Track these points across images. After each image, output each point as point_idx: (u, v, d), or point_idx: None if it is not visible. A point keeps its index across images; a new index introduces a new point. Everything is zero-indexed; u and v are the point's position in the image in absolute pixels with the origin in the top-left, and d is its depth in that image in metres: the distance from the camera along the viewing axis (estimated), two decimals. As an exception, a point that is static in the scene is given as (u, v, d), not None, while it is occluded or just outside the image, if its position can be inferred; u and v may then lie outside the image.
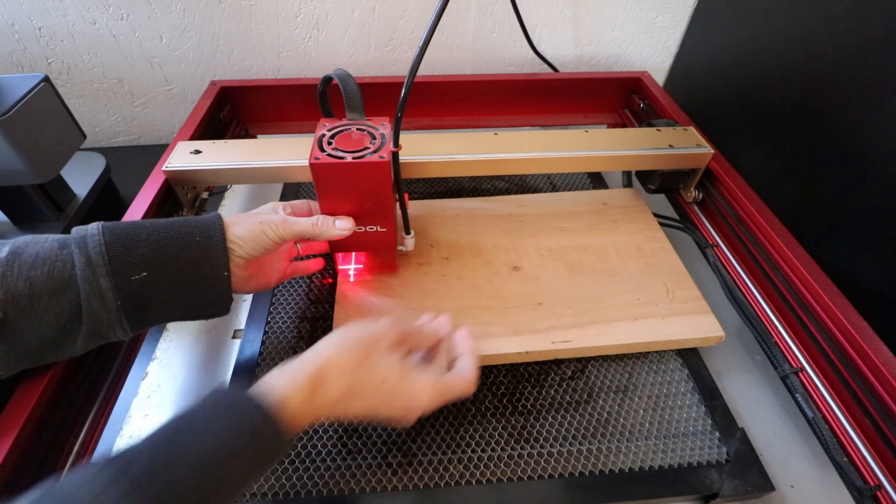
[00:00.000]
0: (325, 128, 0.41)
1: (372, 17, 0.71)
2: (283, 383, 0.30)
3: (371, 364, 0.33)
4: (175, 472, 0.24)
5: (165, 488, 0.24)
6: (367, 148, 0.39)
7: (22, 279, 0.29)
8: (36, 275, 0.30)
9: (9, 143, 0.46)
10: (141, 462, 0.24)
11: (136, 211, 0.46)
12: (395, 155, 0.39)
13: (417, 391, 0.34)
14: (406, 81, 0.36)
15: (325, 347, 0.33)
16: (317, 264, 0.48)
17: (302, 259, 0.48)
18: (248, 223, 0.37)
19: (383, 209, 0.42)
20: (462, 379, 0.36)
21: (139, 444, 0.25)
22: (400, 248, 0.48)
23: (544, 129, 0.70)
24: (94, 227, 0.33)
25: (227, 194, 0.66)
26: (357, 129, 0.41)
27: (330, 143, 0.40)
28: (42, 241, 0.32)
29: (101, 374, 0.39)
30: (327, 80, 0.41)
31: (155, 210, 0.47)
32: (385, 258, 0.49)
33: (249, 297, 0.52)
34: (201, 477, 0.25)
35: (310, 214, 0.43)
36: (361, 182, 0.39)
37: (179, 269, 0.34)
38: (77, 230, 0.33)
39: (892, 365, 0.35)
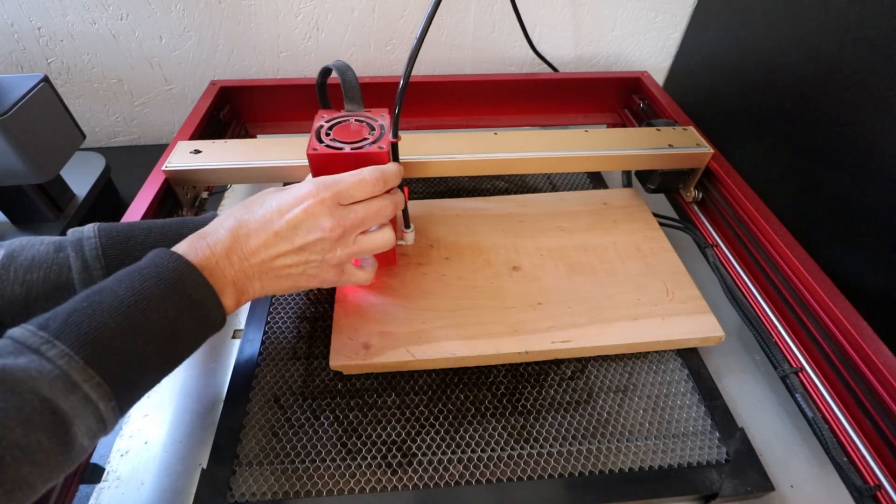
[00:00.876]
0: (323, 119, 0.41)
1: (372, 16, 0.71)
2: (183, 242, 0.31)
3: (254, 199, 0.34)
4: (96, 318, 0.24)
5: (92, 332, 0.24)
6: (365, 139, 0.39)
7: (18, 283, 0.30)
8: (32, 279, 0.30)
9: (8, 143, 0.46)
10: (58, 319, 0.24)
11: (135, 211, 0.46)
12: (394, 146, 0.39)
13: (299, 185, 0.35)
14: (405, 69, 0.36)
15: None
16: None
17: None
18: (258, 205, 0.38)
19: (383, 202, 0.42)
20: (354, 172, 0.36)
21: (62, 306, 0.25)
22: (400, 242, 0.48)
23: (544, 128, 0.70)
24: (90, 230, 0.33)
25: (226, 194, 0.66)
26: (355, 120, 0.41)
27: (328, 135, 0.39)
28: (38, 244, 0.32)
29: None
30: (326, 71, 0.41)
31: (154, 210, 0.47)
32: (385, 252, 0.49)
33: (249, 297, 0.52)
34: (123, 323, 0.25)
35: None
36: None
37: None
38: (73, 232, 0.33)
39: (892, 365, 0.35)
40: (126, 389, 0.26)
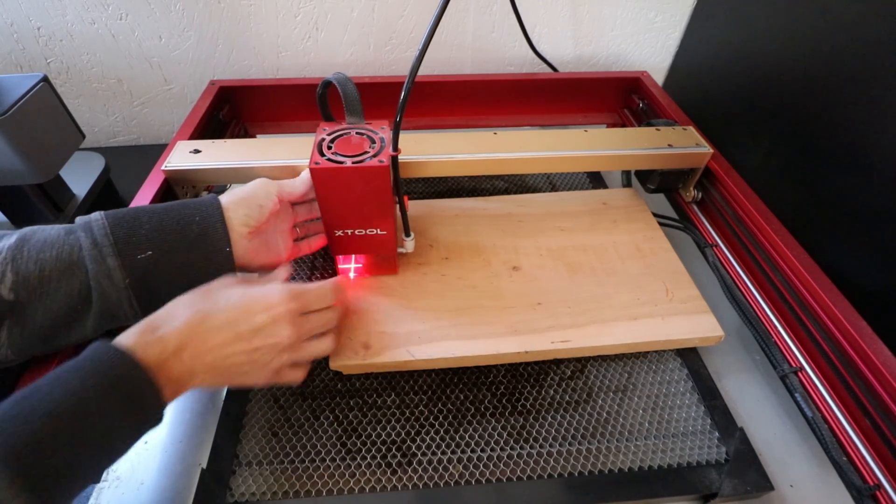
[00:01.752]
0: (324, 132, 0.41)
1: (371, 16, 0.71)
2: (130, 332, 0.30)
3: (214, 290, 0.34)
4: (28, 426, 0.24)
5: (22, 442, 0.23)
6: (366, 152, 0.39)
7: (32, 262, 0.31)
8: (45, 257, 0.31)
9: (8, 143, 0.46)
10: (14, 444, 0.23)
11: (135, 211, 0.46)
12: (394, 159, 0.39)
13: (268, 290, 0.35)
14: (405, 85, 0.36)
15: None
16: (319, 241, 0.47)
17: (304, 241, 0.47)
18: (241, 190, 0.39)
19: (383, 212, 0.42)
20: (318, 285, 0.38)
21: None
22: (399, 250, 0.48)
23: (544, 128, 0.70)
24: (96, 214, 0.34)
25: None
26: (356, 133, 0.41)
27: (329, 148, 0.40)
28: (48, 229, 0.33)
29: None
30: (326, 84, 0.41)
31: (154, 210, 0.47)
32: (385, 260, 0.49)
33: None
34: (57, 430, 0.24)
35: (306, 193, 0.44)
36: (361, 186, 0.39)
37: (182, 247, 0.35)
38: (80, 218, 0.34)
39: (891, 365, 0.35)
40: (57, 498, 0.25)
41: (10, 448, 0.23)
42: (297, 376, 0.37)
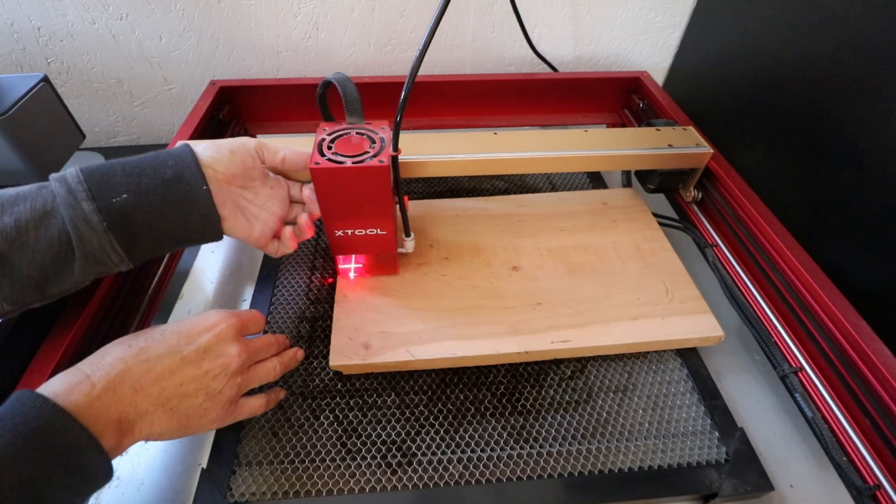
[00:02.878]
0: (324, 132, 0.41)
1: (371, 16, 0.71)
2: (54, 378, 0.28)
3: (146, 330, 0.33)
4: None
5: None
6: (366, 152, 0.39)
7: (7, 215, 0.30)
8: (19, 210, 0.30)
9: (8, 143, 0.46)
10: None
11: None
12: (394, 159, 0.39)
13: (205, 314, 0.35)
14: (406, 85, 0.36)
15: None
16: (310, 230, 0.44)
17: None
18: (222, 145, 0.38)
19: (383, 212, 0.42)
20: (249, 310, 0.38)
21: None
22: (400, 250, 0.48)
23: (544, 128, 0.70)
24: (71, 168, 0.33)
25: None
26: (356, 133, 0.41)
27: (330, 148, 0.40)
28: (23, 187, 0.32)
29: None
30: (326, 84, 0.41)
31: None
32: (386, 260, 0.49)
33: (249, 298, 0.52)
34: None
35: (281, 163, 0.42)
36: (361, 186, 0.39)
37: (158, 188, 0.34)
38: (54, 174, 0.33)
39: (891, 365, 0.35)
40: None
41: None
42: (256, 406, 0.37)
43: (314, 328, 0.48)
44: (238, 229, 0.39)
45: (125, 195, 0.33)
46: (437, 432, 0.41)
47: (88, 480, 0.26)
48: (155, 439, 0.31)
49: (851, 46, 0.48)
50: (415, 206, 0.58)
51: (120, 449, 0.28)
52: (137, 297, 0.46)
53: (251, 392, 0.38)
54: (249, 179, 0.40)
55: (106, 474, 0.27)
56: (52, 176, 0.33)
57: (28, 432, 0.24)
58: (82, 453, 0.25)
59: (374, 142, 0.41)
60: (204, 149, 0.37)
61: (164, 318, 0.51)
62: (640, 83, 0.69)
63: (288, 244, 0.43)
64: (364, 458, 0.39)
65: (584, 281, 0.50)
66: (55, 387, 0.27)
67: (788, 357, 0.43)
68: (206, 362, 0.32)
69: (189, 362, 0.32)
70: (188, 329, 0.33)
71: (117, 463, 0.39)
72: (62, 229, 0.31)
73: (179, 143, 0.38)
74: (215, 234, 0.38)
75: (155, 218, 0.34)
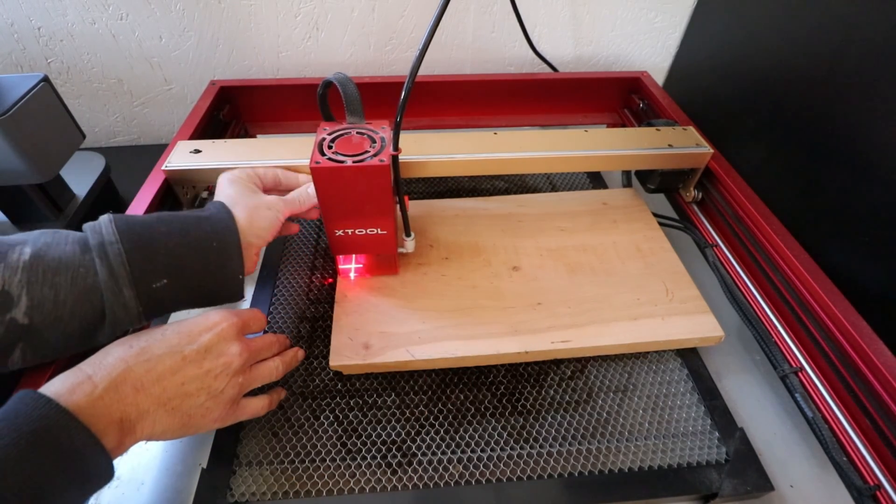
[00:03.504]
0: (325, 132, 0.41)
1: (371, 16, 0.71)
2: (57, 378, 0.28)
3: (146, 330, 0.33)
4: None
5: None
6: (367, 152, 0.39)
7: (48, 286, 0.29)
8: (60, 281, 0.30)
9: (8, 143, 0.46)
10: None
11: (135, 210, 0.46)
12: (394, 158, 0.39)
13: (206, 314, 0.35)
14: (406, 85, 0.36)
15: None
16: (294, 228, 0.48)
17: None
18: (260, 216, 0.39)
19: (383, 212, 0.42)
20: (249, 309, 0.38)
21: None
22: (400, 250, 0.48)
23: (544, 128, 0.70)
24: (109, 231, 0.32)
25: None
26: (357, 132, 0.42)
27: (330, 147, 0.40)
28: (63, 244, 0.31)
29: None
30: (327, 83, 0.41)
31: (154, 210, 0.47)
32: (386, 260, 0.49)
33: (249, 298, 0.52)
34: None
35: (276, 183, 0.45)
36: (361, 185, 0.39)
37: (198, 277, 0.35)
38: (92, 232, 0.32)
39: (891, 365, 0.35)
40: None
41: None
42: (258, 407, 0.37)
43: (314, 328, 0.48)
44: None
45: (165, 281, 0.33)
46: (437, 432, 0.41)
47: (90, 480, 0.26)
48: (156, 439, 0.31)
49: (852, 46, 0.48)
50: (415, 206, 0.58)
51: (122, 449, 0.28)
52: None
53: (253, 392, 0.37)
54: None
55: (107, 474, 0.27)
56: (91, 237, 0.32)
57: (31, 433, 0.24)
58: (85, 454, 0.25)
59: (374, 141, 0.41)
60: (251, 225, 0.38)
61: (163, 318, 0.51)
62: (640, 83, 0.69)
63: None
64: (364, 458, 0.39)
65: (584, 281, 0.50)
66: (57, 387, 0.27)
67: (788, 357, 0.43)
68: (207, 361, 0.32)
69: (190, 361, 0.31)
70: (189, 329, 0.33)
71: (117, 463, 0.39)
72: (98, 308, 0.31)
73: (225, 215, 0.37)
74: (236, 300, 0.39)
75: (185, 300, 0.35)
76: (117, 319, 0.32)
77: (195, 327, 0.33)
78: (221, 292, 0.37)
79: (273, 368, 0.37)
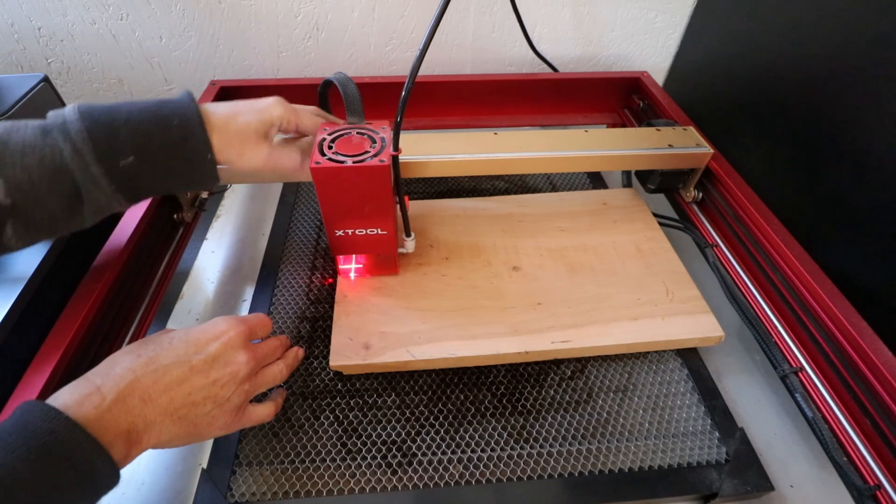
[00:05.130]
0: (325, 132, 0.41)
1: (371, 17, 0.71)
2: (64, 389, 0.28)
3: (154, 337, 0.33)
4: None
5: None
6: (367, 152, 0.39)
7: (18, 168, 0.30)
8: (30, 162, 0.31)
9: (8, 143, 0.45)
10: None
11: (135, 210, 0.46)
12: (394, 158, 0.39)
13: (212, 322, 0.34)
14: (406, 85, 0.36)
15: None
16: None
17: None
18: (242, 113, 0.38)
19: (383, 212, 0.42)
20: (256, 314, 0.37)
21: None
22: (400, 250, 0.48)
23: (544, 128, 0.70)
24: (71, 112, 0.33)
25: (226, 194, 0.66)
26: (357, 132, 0.42)
27: (330, 148, 0.40)
28: (23, 129, 0.32)
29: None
30: (327, 83, 0.41)
31: (154, 210, 0.47)
32: (386, 260, 0.49)
33: (249, 298, 0.52)
34: None
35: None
36: (362, 186, 0.39)
37: (164, 154, 0.34)
38: (54, 115, 0.33)
39: (891, 365, 0.35)
40: None
41: None
42: (264, 413, 0.36)
43: (314, 328, 0.48)
44: (243, 169, 0.39)
45: (131, 158, 0.33)
46: (437, 432, 0.41)
47: (97, 491, 0.26)
48: (162, 447, 0.31)
49: (851, 46, 0.48)
50: (415, 207, 0.58)
51: (129, 459, 0.28)
52: (138, 297, 0.46)
53: (257, 396, 0.37)
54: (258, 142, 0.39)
55: (114, 483, 0.27)
56: (51, 118, 0.33)
57: (41, 446, 0.24)
58: (93, 466, 0.25)
59: (374, 141, 0.41)
60: (214, 111, 0.37)
61: (164, 318, 0.51)
62: (640, 83, 0.69)
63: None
64: (364, 458, 0.39)
65: (584, 281, 0.50)
66: (65, 398, 0.27)
67: (789, 357, 0.43)
68: (214, 371, 0.32)
69: (197, 371, 0.31)
70: (196, 338, 0.33)
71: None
72: (72, 185, 0.32)
73: (184, 94, 0.36)
74: (214, 185, 0.39)
75: (159, 178, 0.35)
76: (94, 198, 0.33)
77: (203, 336, 0.33)
78: (194, 175, 0.36)
79: (278, 372, 0.37)
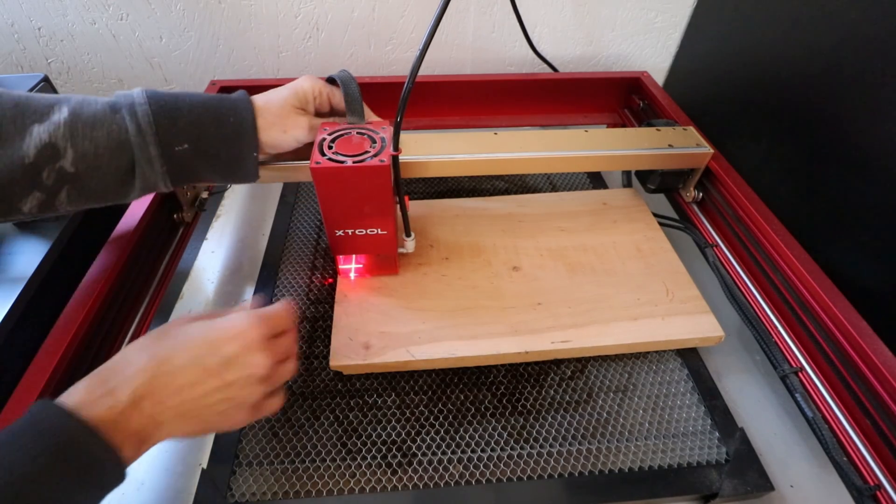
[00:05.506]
0: (325, 132, 0.41)
1: (371, 16, 0.71)
2: (77, 387, 0.27)
3: (170, 329, 0.31)
4: None
5: None
6: (367, 152, 0.39)
7: (87, 140, 0.34)
8: (98, 135, 0.34)
9: (8, 143, 0.45)
10: None
11: (135, 210, 0.46)
12: (394, 158, 0.39)
13: (232, 318, 0.32)
14: (406, 85, 0.36)
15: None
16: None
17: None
18: (271, 121, 0.41)
19: (383, 212, 0.42)
20: (279, 307, 0.34)
21: None
22: (400, 250, 0.48)
23: (544, 129, 0.70)
24: (139, 95, 0.36)
25: (226, 194, 0.66)
26: (357, 132, 0.42)
27: (330, 147, 0.40)
28: (94, 104, 0.35)
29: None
30: (331, 80, 0.41)
31: (154, 210, 0.47)
32: (386, 260, 0.49)
33: (249, 298, 0.52)
34: None
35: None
36: (362, 186, 0.40)
37: (215, 146, 0.38)
38: (123, 96, 0.36)
39: (891, 365, 0.35)
40: None
41: None
42: (275, 406, 0.35)
43: (314, 328, 0.48)
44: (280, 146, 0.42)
45: (186, 145, 0.37)
46: (437, 432, 0.41)
47: (103, 490, 0.27)
48: (175, 439, 0.32)
49: (851, 46, 0.48)
50: (415, 207, 0.58)
51: (136, 456, 0.28)
52: (138, 297, 0.46)
53: None
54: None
55: (120, 481, 0.27)
56: (120, 98, 0.36)
57: (53, 447, 0.24)
58: (104, 467, 0.26)
59: (374, 141, 0.41)
60: (256, 99, 0.41)
61: (163, 318, 0.51)
62: (640, 83, 0.69)
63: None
64: (364, 458, 0.39)
65: (584, 281, 0.50)
66: (77, 398, 0.26)
67: (789, 357, 0.43)
68: (229, 374, 0.30)
69: (212, 374, 0.30)
70: (214, 337, 0.31)
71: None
72: (130, 161, 0.36)
73: (241, 94, 0.40)
74: (252, 180, 0.42)
75: (205, 168, 0.39)
76: (145, 176, 0.36)
77: (220, 335, 0.31)
78: (238, 170, 0.40)
79: (292, 368, 0.35)
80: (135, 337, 0.44)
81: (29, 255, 0.44)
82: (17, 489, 0.23)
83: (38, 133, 0.33)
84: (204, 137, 0.37)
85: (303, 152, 0.42)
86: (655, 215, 0.58)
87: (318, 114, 0.44)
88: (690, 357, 0.47)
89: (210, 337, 0.31)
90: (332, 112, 0.45)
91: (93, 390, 0.27)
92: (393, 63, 0.76)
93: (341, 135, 0.41)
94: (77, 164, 0.34)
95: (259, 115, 0.40)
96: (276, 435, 0.41)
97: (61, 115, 0.34)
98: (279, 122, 0.41)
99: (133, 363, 0.29)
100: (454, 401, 0.43)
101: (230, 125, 0.38)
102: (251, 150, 0.40)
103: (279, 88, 0.42)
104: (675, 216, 0.60)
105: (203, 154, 0.38)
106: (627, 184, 0.64)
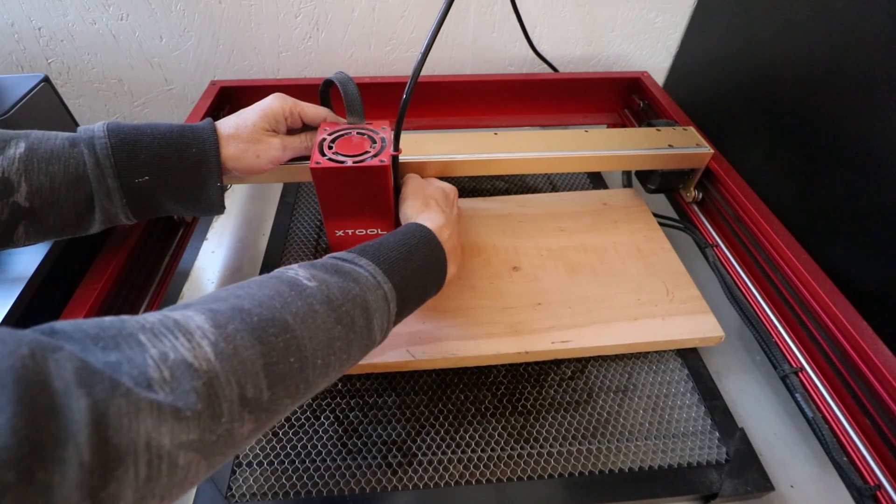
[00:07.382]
0: (325, 132, 0.41)
1: (372, 16, 0.71)
2: (429, 225, 0.39)
3: (446, 196, 0.46)
4: (383, 251, 0.34)
5: (382, 256, 0.33)
6: (367, 152, 0.39)
7: (43, 174, 0.33)
8: (54, 170, 0.34)
9: (8, 144, 0.45)
10: (389, 258, 0.34)
11: (135, 211, 0.46)
12: (395, 158, 0.40)
13: (441, 185, 0.47)
14: (408, 86, 0.36)
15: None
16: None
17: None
18: (243, 148, 0.40)
19: (383, 212, 0.42)
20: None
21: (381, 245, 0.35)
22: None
23: (544, 129, 0.70)
24: (100, 128, 0.36)
25: (226, 194, 0.66)
26: (357, 132, 0.42)
27: (330, 148, 0.40)
28: (53, 139, 0.35)
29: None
30: (328, 83, 0.41)
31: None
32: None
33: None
34: (400, 254, 0.34)
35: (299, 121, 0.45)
36: (362, 186, 0.40)
37: (177, 180, 0.38)
38: (84, 130, 0.36)
39: (892, 365, 0.35)
40: (402, 299, 0.33)
41: (378, 257, 0.33)
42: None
43: (314, 328, 0.48)
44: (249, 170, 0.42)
45: (147, 178, 0.37)
46: (437, 432, 0.41)
47: (441, 279, 0.39)
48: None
49: (852, 46, 0.48)
50: (415, 207, 0.58)
51: (452, 276, 0.40)
52: (138, 298, 0.46)
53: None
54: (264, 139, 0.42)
55: (444, 282, 0.39)
56: (81, 132, 0.36)
57: (422, 237, 0.37)
58: (441, 260, 0.38)
59: (374, 142, 0.41)
60: (230, 149, 0.40)
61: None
62: (640, 83, 0.69)
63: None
64: (364, 458, 0.39)
65: (584, 281, 0.50)
66: (431, 226, 0.39)
67: (789, 357, 0.43)
68: (453, 212, 0.45)
69: (454, 222, 0.43)
70: (445, 198, 0.45)
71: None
72: (88, 195, 0.35)
73: (206, 123, 0.39)
74: (219, 213, 0.42)
75: (167, 199, 0.38)
76: (104, 209, 0.36)
77: (444, 197, 0.45)
78: (203, 201, 0.39)
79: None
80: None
81: (29, 255, 0.44)
82: (409, 248, 0.36)
83: None
84: (165, 169, 0.37)
85: (285, 173, 0.43)
86: (655, 215, 0.58)
87: (291, 131, 0.44)
88: (690, 357, 0.47)
89: (451, 200, 0.46)
90: (305, 128, 0.44)
91: (437, 224, 0.39)
92: (393, 63, 0.76)
93: (341, 135, 0.41)
94: (32, 198, 0.33)
95: (228, 143, 0.39)
96: (276, 435, 0.41)
97: (17, 149, 0.33)
98: (251, 147, 0.40)
99: (446, 214, 0.42)
100: (454, 401, 0.43)
101: (192, 156, 0.38)
102: (214, 180, 0.39)
103: (248, 109, 0.41)
104: (676, 216, 0.60)
105: (164, 186, 0.37)
106: (627, 184, 0.64)
